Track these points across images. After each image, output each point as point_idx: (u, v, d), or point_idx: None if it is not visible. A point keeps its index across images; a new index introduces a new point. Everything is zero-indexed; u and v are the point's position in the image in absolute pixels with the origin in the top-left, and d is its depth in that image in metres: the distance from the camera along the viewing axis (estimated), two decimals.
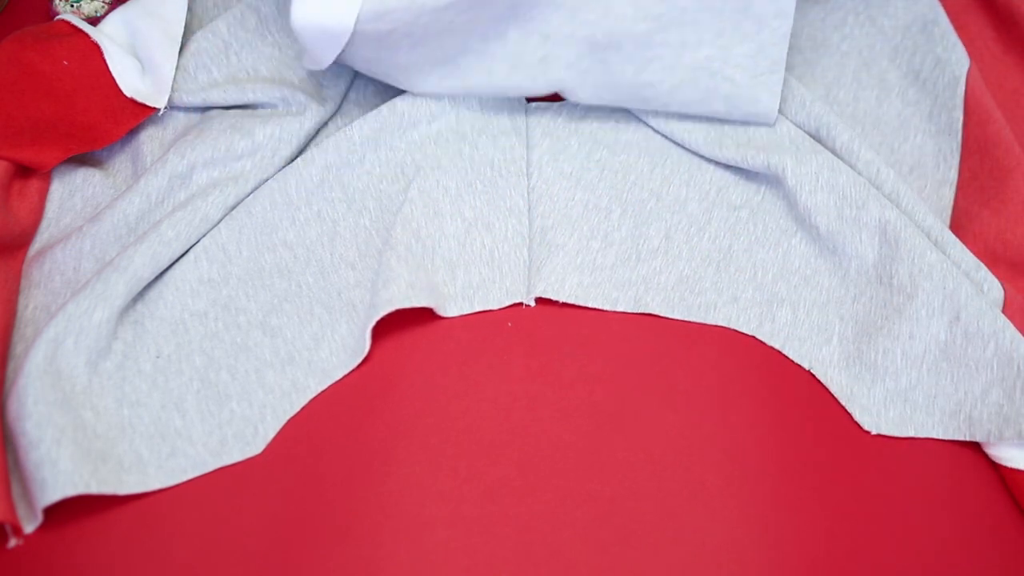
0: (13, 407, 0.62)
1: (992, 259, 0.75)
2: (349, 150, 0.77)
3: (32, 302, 0.71)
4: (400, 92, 0.83)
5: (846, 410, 0.68)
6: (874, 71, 0.87)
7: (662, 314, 0.71)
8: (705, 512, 0.61)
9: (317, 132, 0.81)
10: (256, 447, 0.65)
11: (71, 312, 0.65)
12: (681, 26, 0.74)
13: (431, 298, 0.69)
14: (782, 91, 0.79)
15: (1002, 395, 0.66)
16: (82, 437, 0.61)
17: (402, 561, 0.58)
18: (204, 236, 0.72)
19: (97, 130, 0.78)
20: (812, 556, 0.60)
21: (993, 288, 0.71)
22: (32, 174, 0.77)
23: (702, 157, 0.79)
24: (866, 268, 0.72)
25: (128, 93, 0.79)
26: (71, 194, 0.78)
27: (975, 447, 0.68)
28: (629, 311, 0.71)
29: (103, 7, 0.88)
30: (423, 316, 0.70)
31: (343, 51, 0.73)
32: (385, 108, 0.78)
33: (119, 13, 0.83)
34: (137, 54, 0.81)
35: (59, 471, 0.59)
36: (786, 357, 0.70)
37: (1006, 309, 0.70)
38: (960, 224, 0.78)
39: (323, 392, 0.68)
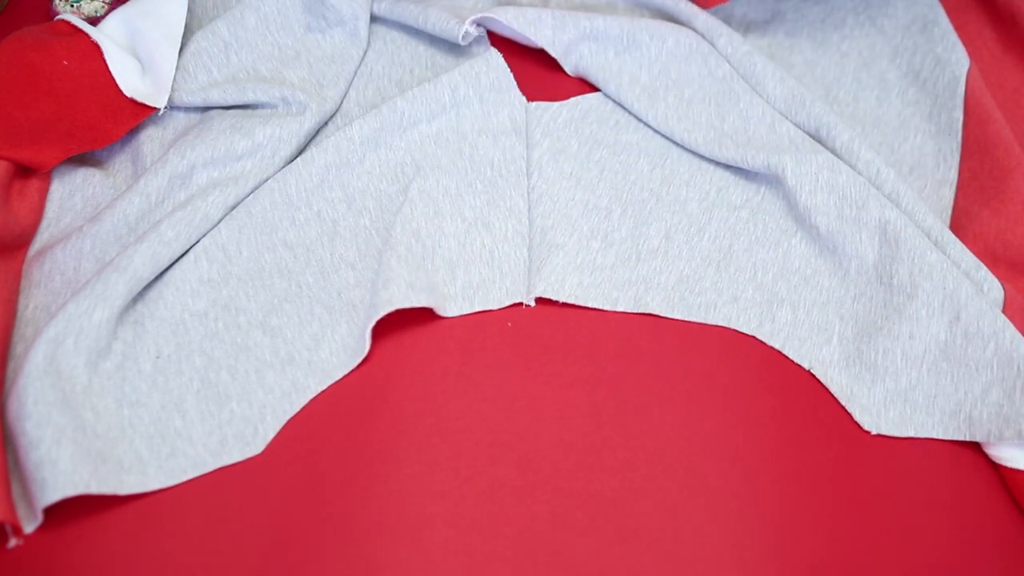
0: (13, 407, 0.62)
1: (992, 259, 0.75)
2: (349, 150, 0.77)
3: (32, 302, 0.71)
4: (400, 92, 0.83)
5: (846, 410, 0.68)
6: (874, 71, 0.87)
7: (662, 314, 0.71)
8: (705, 512, 0.61)
9: (317, 132, 0.81)
10: (256, 447, 0.65)
11: (71, 312, 0.65)
12: None
13: (431, 298, 0.69)
14: (782, 92, 0.80)
15: (1002, 395, 0.66)
16: (82, 437, 0.61)
17: (402, 561, 0.58)
18: (204, 236, 0.72)
19: (97, 130, 0.78)
20: (812, 556, 0.60)
21: (993, 288, 0.71)
22: (32, 174, 0.77)
23: (702, 157, 0.79)
24: (866, 268, 0.72)
25: (128, 93, 0.79)
26: (71, 194, 0.78)
27: (975, 447, 0.68)
28: (629, 311, 0.71)
29: (103, 7, 0.88)
30: (423, 316, 0.70)
31: None
32: (385, 108, 0.78)
33: (119, 13, 0.83)
34: (137, 54, 0.81)
35: (59, 471, 0.59)
36: (786, 357, 0.70)
37: (1006, 309, 0.70)
38: (960, 224, 0.78)
39: (323, 392, 0.68)
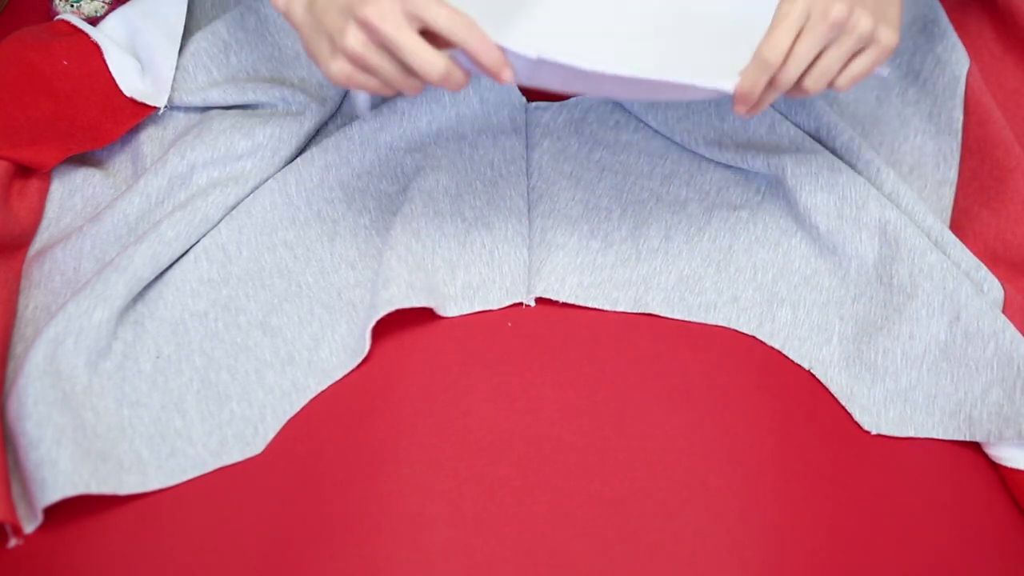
0: (13, 407, 0.62)
1: (992, 259, 0.75)
2: (349, 150, 0.77)
3: (32, 302, 0.71)
4: (400, 91, 0.83)
5: (846, 410, 0.68)
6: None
7: (662, 314, 0.71)
8: (706, 512, 0.61)
9: (317, 132, 0.81)
10: (256, 447, 0.65)
11: (71, 312, 0.65)
12: None
13: (431, 298, 0.69)
14: None
15: (1002, 395, 0.66)
16: (82, 437, 0.61)
17: (402, 561, 0.58)
18: (204, 236, 0.72)
19: (97, 130, 0.78)
20: (813, 556, 0.60)
21: (993, 288, 0.71)
22: (32, 174, 0.77)
23: (702, 157, 0.79)
24: (866, 268, 0.72)
25: (128, 93, 0.79)
26: (71, 194, 0.78)
27: (975, 447, 0.68)
28: (629, 311, 0.71)
29: (103, 7, 0.88)
30: (423, 316, 0.70)
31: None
32: (385, 108, 0.78)
33: (119, 13, 0.83)
34: (137, 54, 0.81)
35: (59, 471, 0.59)
36: (786, 357, 0.70)
37: (1006, 309, 0.70)
38: (960, 224, 0.78)
39: (323, 392, 0.68)
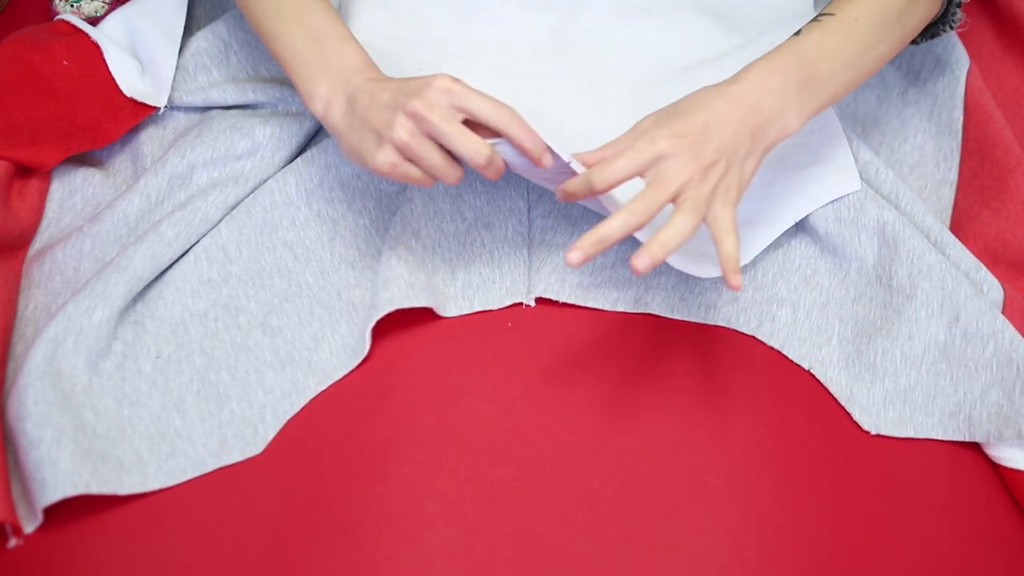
0: (13, 407, 0.62)
1: (992, 259, 0.75)
2: None
3: (32, 302, 0.71)
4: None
5: (846, 410, 0.68)
6: None
7: (662, 314, 0.71)
8: (705, 512, 0.61)
9: (317, 132, 0.81)
10: (256, 447, 0.65)
11: (71, 312, 0.65)
12: None
13: (431, 298, 0.69)
14: None
15: (1002, 395, 0.66)
16: (82, 437, 0.61)
17: (402, 561, 0.58)
18: (204, 236, 0.72)
19: (97, 130, 0.78)
20: (812, 556, 0.60)
21: (993, 288, 0.71)
22: (32, 174, 0.77)
23: None
24: (866, 269, 0.72)
25: (128, 93, 0.79)
26: (71, 194, 0.78)
27: (975, 447, 0.68)
28: (629, 311, 0.71)
29: (103, 7, 0.88)
30: (423, 316, 0.70)
31: None
32: None
33: (119, 13, 0.83)
34: (137, 54, 0.81)
35: (59, 471, 0.59)
36: (786, 357, 0.70)
37: (1006, 309, 0.70)
38: (960, 224, 0.78)
39: (323, 392, 0.68)
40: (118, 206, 0.73)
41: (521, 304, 0.71)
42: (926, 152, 0.83)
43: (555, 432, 0.65)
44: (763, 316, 0.71)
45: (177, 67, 0.81)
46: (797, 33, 0.66)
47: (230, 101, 0.80)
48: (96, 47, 0.79)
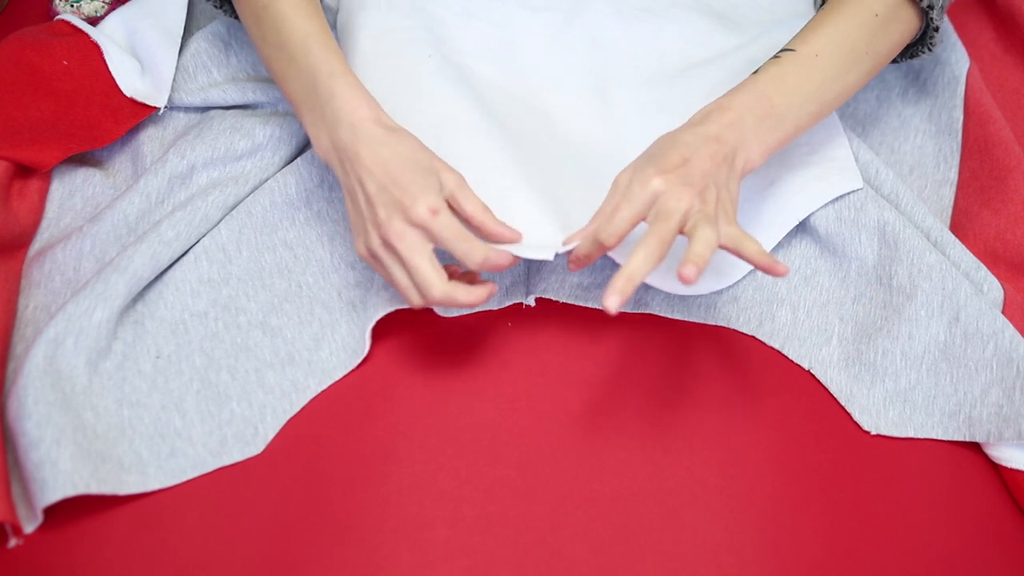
0: (13, 407, 0.62)
1: (992, 259, 0.75)
2: None
3: (32, 302, 0.71)
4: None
5: (846, 410, 0.68)
6: None
7: (662, 314, 0.71)
8: (705, 512, 0.61)
9: None
10: (256, 447, 0.65)
11: (71, 312, 0.65)
12: None
13: None
14: None
15: (1002, 395, 0.66)
16: (82, 437, 0.61)
17: (402, 561, 0.58)
18: (204, 236, 0.72)
19: (97, 130, 0.78)
20: (812, 556, 0.60)
21: (993, 288, 0.71)
22: (32, 174, 0.77)
23: None
24: (866, 269, 0.72)
25: (128, 93, 0.79)
26: (71, 194, 0.78)
27: (975, 447, 0.68)
28: (629, 311, 0.71)
29: (103, 7, 0.88)
30: (423, 316, 0.70)
31: None
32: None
33: (119, 13, 0.83)
34: (137, 54, 0.81)
35: (59, 471, 0.59)
36: (786, 357, 0.70)
37: (1006, 309, 0.70)
38: (960, 224, 0.78)
39: (323, 392, 0.68)
40: (118, 206, 0.73)
41: (521, 304, 0.71)
42: (926, 152, 0.83)
43: (555, 432, 0.65)
44: (763, 316, 0.71)
45: (177, 67, 0.81)
46: (755, 72, 0.68)
47: (230, 101, 0.80)
48: (96, 47, 0.79)
